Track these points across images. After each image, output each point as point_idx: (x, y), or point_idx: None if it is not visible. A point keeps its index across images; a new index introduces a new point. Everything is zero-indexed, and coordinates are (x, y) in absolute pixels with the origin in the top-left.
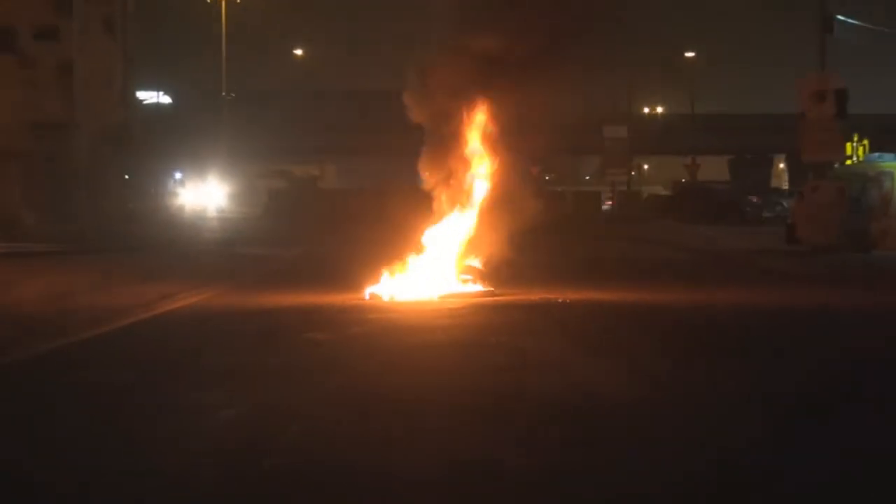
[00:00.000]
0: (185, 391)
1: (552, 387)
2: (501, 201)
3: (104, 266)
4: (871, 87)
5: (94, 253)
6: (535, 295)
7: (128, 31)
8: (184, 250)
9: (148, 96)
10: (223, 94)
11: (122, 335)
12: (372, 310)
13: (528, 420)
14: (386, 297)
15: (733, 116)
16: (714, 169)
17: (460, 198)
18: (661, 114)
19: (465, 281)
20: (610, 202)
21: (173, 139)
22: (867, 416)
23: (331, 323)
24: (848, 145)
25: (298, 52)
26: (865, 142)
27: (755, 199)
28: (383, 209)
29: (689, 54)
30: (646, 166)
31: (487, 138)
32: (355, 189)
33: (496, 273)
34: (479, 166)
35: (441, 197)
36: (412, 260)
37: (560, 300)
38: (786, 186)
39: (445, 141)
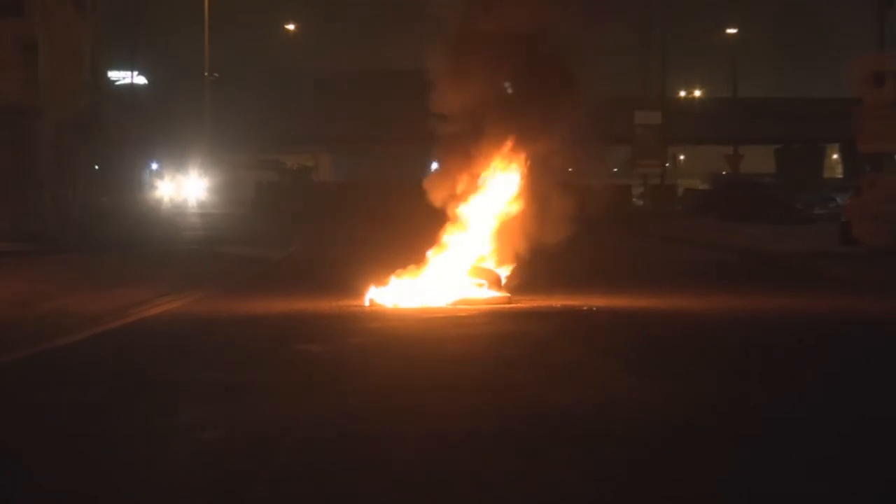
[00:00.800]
0: (160, 411)
1: (578, 407)
2: (528, 199)
3: (72, 268)
4: None
5: (61, 253)
6: (557, 302)
7: (98, 5)
8: (161, 250)
9: (121, 77)
10: (205, 74)
11: (90, 346)
12: (373, 318)
13: (550, 448)
14: (389, 304)
15: (781, 101)
16: (759, 160)
17: (479, 194)
18: (700, 98)
19: (478, 286)
20: (641, 197)
21: (149, 125)
22: None
23: (326, 333)
24: None
25: (290, 27)
26: None
27: (805, 195)
28: (385, 204)
29: (731, 30)
30: (682, 157)
31: (517, 130)
32: (354, 182)
33: (513, 277)
34: (505, 160)
35: (457, 193)
36: (418, 262)
37: (585, 308)
38: (840, 179)
39: (469, 133)
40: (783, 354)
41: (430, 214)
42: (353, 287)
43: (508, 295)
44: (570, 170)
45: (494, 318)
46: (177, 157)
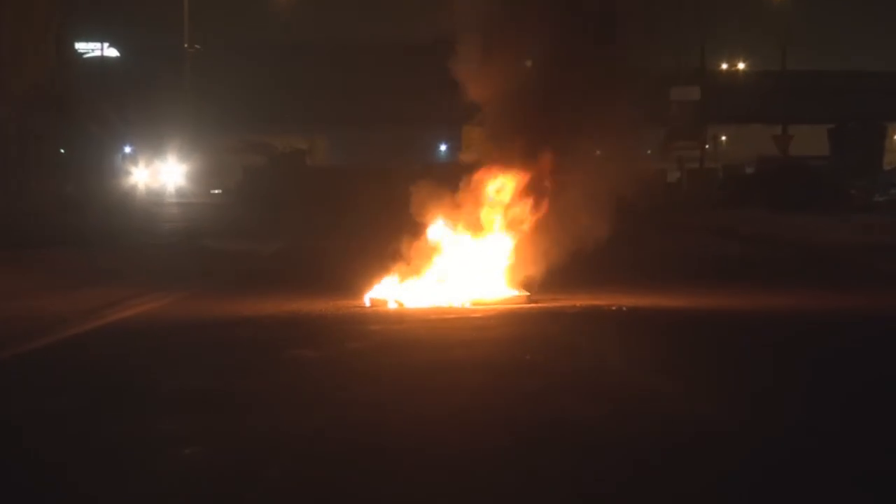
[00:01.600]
0: (133, 425)
1: (605, 420)
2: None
3: (35, 265)
4: None
5: (21, 248)
6: (582, 300)
7: None
8: (136, 244)
9: (90, 49)
10: (186, 46)
11: (56, 352)
12: (374, 320)
13: (573, 466)
14: (392, 304)
15: (835, 75)
16: (810, 141)
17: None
18: (744, 71)
19: (493, 284)
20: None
21: (122, 104)
22: None
23: (321, 337)
24: None
25: None
26: None
27: (863, 180)
28: (389, 192)
29: None
30: (723, 138)
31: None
32: (353, 167)
33: (533, 272)
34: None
35: (479, 183)
36: (424, 257)
37: (614, 307)
38: None
39: (503, 114)
40: (831, 360)
41: (438, 203)
42: (351, 285)
43: (527, 293)
44: (597, 153)
45: (511, 320)
46: (153, 140)
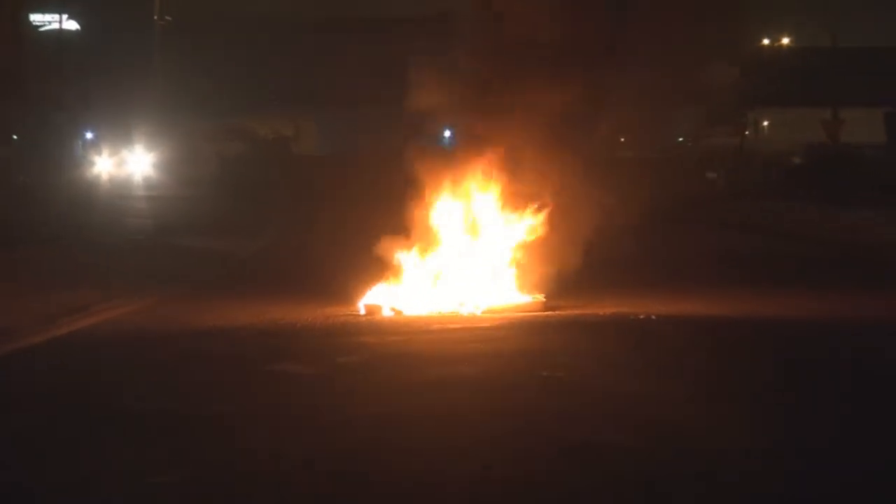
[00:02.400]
0: (95, 451)
1: (632, 450)
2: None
3: None
4: None
5: None
6: (608, 307)
7: None
8: (99, 243)
9: (46, 22)
10: (155, 18)
11: (5, 366)
12: (369, 330)
13: (590, 498)
14: (389, 312)
15: (892, 51)
16: (863, 127)
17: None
18: (789, 47)
19: (504, 288)
20: (714, 174)
21: (83, 84)
22: None
23: (308, 350)
24: None
25: None
26: None
27: None
28: (386, 185)
29: None
30: (765, 123)
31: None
32: (345, 155)
33: (550, 275)
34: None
35: (484, 174)
36: (428, 258)
37: (642, 316)
38: None
39: (508, 100)
40: (881, 374)
41: (440, 197)
42: (343, 289)
43: (544, 299)
44: (621, 140)
45: (525, 330)
46: (118, 125)
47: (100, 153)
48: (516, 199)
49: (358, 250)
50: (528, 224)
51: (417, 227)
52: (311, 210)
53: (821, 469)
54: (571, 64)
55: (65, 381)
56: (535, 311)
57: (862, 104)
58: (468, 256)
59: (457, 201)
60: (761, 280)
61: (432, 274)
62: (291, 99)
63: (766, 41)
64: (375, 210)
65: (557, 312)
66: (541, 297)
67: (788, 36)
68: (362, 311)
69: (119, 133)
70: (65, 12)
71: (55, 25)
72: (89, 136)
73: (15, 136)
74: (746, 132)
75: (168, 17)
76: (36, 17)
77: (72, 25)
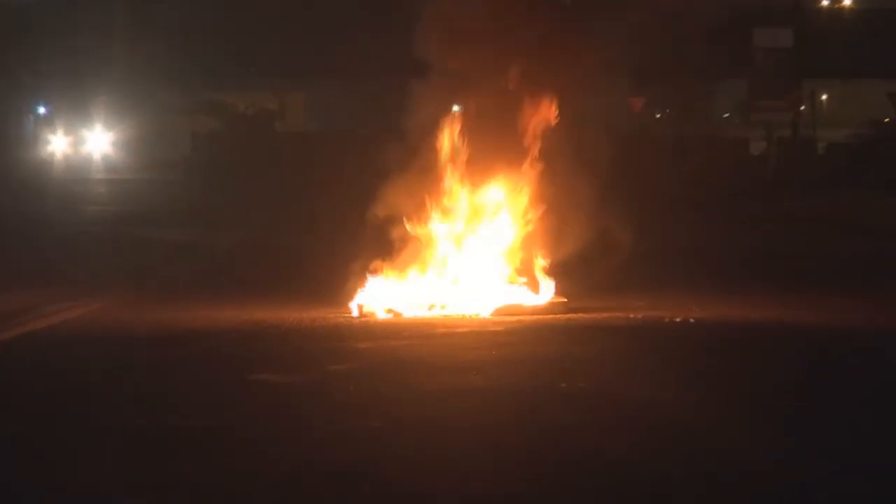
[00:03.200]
0: (53, 468)
1: (658, 473)
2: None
3: None
4: None
5: None
6: (637, 311)
7: None
8: (52, 234)
9: None
10: None
11: None
12: (363, 334)
13: None
14: (386, 313)
15: None
16: None
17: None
18: (850, 7)
19: (518, 285)
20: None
21: (34, 52)
22: None
23: (294, 357)
24: None
25: None
26: None
27: None
28: (383, 166)
29: None
30: (824, 97)
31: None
32: (337, 133)
33: (572, 273)
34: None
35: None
36: (432, 252)
37: (677, 320)
38: None
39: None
40: None
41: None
42: (333, 288)
43: (565, 300)
44: (657, 116)
45: (542, 335)
46: (76, 99)
47: (54, 131)
48: (538, 181)
49: (352, 242)
50: (551, 213)
51: (421, 216)
52: (299, 196)
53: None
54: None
55: (13, 391)
56: (556, 315)
57: None
58: (479, 250)
59: (467, 184)
60: (821, 281)
61: (437, 270)
62: (277, 70)
63: (825, 2)
64: (373, 195)
65: (581, 315)
66: (562, 299)
67: None
68: (355, 313)
69: (76, 108)
70: None
71: None
72: (42, 110)
73: None
74: (802, 107)
75: None
76: None
77: None
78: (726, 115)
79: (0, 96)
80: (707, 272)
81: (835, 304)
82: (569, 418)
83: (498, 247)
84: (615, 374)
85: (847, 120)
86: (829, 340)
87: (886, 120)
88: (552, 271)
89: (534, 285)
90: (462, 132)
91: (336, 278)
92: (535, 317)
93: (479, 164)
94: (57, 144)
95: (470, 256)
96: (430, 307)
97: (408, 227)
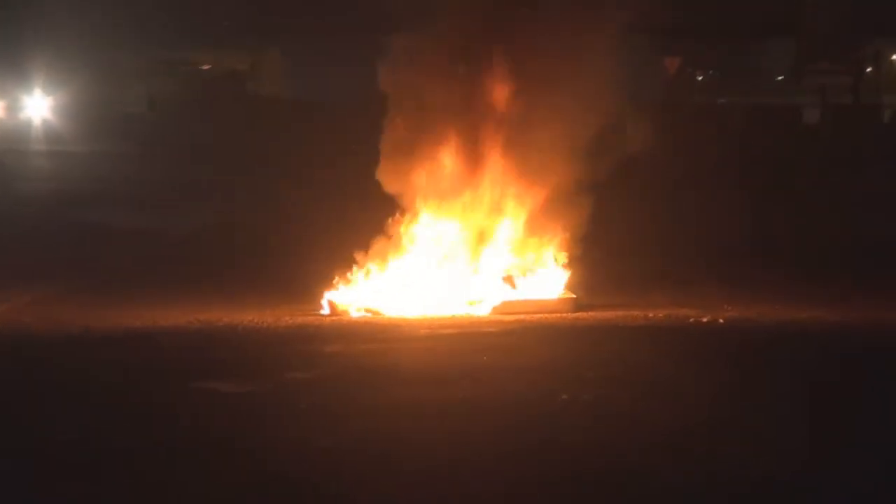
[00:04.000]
0: None
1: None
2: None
3: None
4: None
5: None
6: (659, 309)
7: None
8: None
9: None
10: None
11: None
12: (333, 336)
13: None
14: (360, 311)
15: None
16: None
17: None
18: None
19: (520, 280)
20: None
21: None
22: None
23: (251, 362)
24: None
25: None
26: None
27: None
28: (369, 136)
29: None
30: (894, 57)
31: None
32: (320, 99)
33: (582, 266)
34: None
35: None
36: (420, 240)
37: (705, 320)
38: None
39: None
40: None
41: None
42: (302, 282)
43: (573, 295)
44: (699, 78)
45: (544, 337)
46: (10, 58)
47: None
48: (549, 151)
49: (328, 227)
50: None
51: (407, 197)
52: (270, 174)
53: None
54: None
55: None
56: (562, 313)
57: None
58: (473, 238)
59: (464, 159)
60: (867, 272)
61: (425, 261)
62: (248, 25)
63: None
64: (355, 173)
65: (590, 314)
66: (570, 294)
67: None
68: (326, 310)
69: (11, 68)
70: None
71: None
72: None
73: None
74: (869, 68)
75: None
76: None
77: None
78: (779, 77)
79: None
80: (745, 264)
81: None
82: (568, 439)
83: (498, 234)
84: (626, 386)
85: None
86: (868, 342)
87: None
88: (563, 262)
89: (538, 277)
90: (456, 98)
91: (307, 270)
92: (538, 315)
93: (473, 138)
94: None
95: (463, 244)
96: (414, 305)
97: (396, 209)
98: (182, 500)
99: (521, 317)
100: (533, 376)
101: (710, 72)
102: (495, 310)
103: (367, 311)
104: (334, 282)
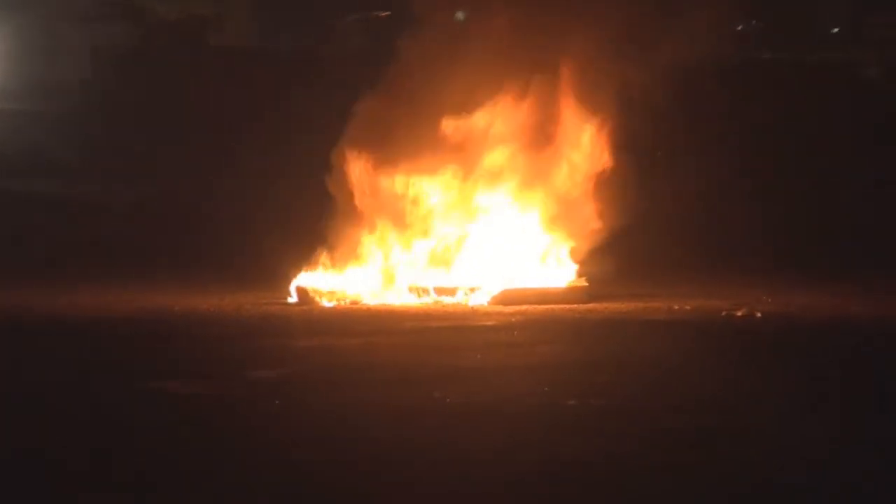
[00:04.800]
0: None
1: None
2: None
3: None
4: None
5: None
6: (683, 302)
7: None
8: None
9: None
10: None
11: None
12: (303, 328)
13: None
14: (335, 299)
15: None
16: None
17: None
18: None
19: (524, 265)
20: None
21: None
22: None
23: (206, 358)
24: None
25: None
26: None
27: None
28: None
29: None
30: None
31: None
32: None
33: (598, 249)
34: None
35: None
36: (402, 217)
37: (739, 314)
38: None
39: None
40: None
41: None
42: (269, 265)
43: (586, 283)
44: (738, 28)
45: (549, 332)
46: None
47: None
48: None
49: (302, 203)
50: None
51: (394, 167)
52: (235, 139)
53: None
54: None
55: None
56: (571, 303)
57: None
58: (469, 217)
59: (461, 123)
60: None
61: (413, 242)
62: None
63: None
64: (332, 137)
65: (606, 305)
66: (581, 282)
67: None
68: (295, 298)
69: None
70: None
71: None
72: None
73: None
74: None
75: None
76: None
77: None
78: (836, 29)
79: None
80: (787, 253)
81: None
82: (571, 452)
83: (497, 212)
84: (640, 390)
85: None
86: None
87: None
88: (570, 246)
89: (543, 263)
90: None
91: (276, 253)
92: (544, 306)
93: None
94: None
95: (457, 224)
96: (402, 292)
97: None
98: None
99: (525, 308)
100: (531, 378)
101: (753, 21)
102: (494, 299)
103: (343, 299)
104: (303, 265)
